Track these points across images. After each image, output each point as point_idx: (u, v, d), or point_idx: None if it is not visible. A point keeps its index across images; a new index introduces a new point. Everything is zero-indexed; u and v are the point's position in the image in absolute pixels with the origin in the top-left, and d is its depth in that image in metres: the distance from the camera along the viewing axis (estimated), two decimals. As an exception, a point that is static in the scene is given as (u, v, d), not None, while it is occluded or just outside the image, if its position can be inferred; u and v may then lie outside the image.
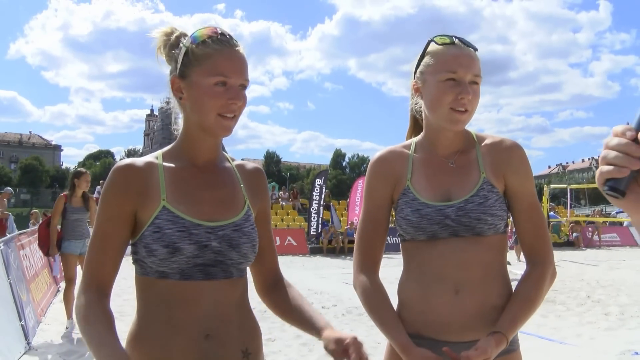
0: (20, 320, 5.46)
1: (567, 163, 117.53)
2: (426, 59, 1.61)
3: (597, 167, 0.88)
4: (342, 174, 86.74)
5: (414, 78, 1.66)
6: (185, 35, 1.46)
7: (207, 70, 1.39)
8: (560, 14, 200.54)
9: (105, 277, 1.40)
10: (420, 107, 1.67)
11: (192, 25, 1.52)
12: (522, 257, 2.87)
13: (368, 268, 1.66)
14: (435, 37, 1.61)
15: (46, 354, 5.41)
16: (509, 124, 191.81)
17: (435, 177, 1.62)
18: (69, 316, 6.38)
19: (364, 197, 1.73)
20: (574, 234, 21.48)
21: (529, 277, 1.57)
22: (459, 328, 1.53)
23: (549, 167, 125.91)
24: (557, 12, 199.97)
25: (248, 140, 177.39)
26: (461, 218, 1.55)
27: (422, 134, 1.70)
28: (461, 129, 1.61)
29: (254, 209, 1.54)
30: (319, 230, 18.97)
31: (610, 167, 0.84)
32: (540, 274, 1.56)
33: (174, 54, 1.45)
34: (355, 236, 1.75)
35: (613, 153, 0.85)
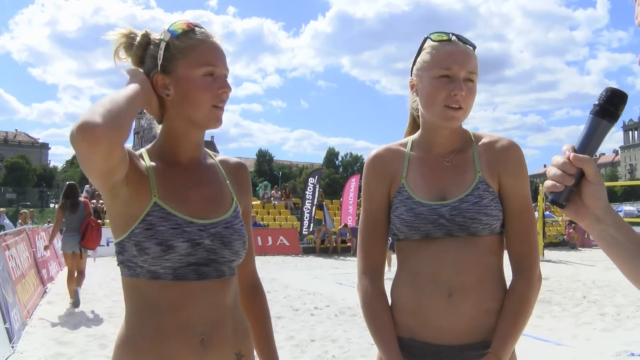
0: (5, 323, 5.33)
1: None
2: (422, 56, 1.59)
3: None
4: (335, 173, 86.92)
5: (411, 75, 1.64)
6: (148, 33, 1.43)
7: (195, 61, 1.37)
8: (557, 12, 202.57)
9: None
10: (418, 105, 1.65)
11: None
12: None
13: (370, 272, 1.64)
14: (432, 34, 1.60)
15: (32, 357, 5.27)
16: (505, 123, 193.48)
17: (431, 175, 1.60)
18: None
19: (363, 197, 1.71)
20: (573, 242, 21.19)
21: (515, 290, 1.54)
22: (451, 332, 1.50)
23: (545, 166, 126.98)
24: (554, 10, 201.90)
25: (240, 139, 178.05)
26: (455, 217, 1.52)
27: (418, 132, 1.68)
28: (456, 126, 1.58)
29: (240, 205, 1.52)
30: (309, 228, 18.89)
31: (550, 183, 0.98)
32: (526, 285, 1.54)
33: (148, 53, 1.41)
34: (357, 237, 1.72)
35: (553, 170, 0.98)
